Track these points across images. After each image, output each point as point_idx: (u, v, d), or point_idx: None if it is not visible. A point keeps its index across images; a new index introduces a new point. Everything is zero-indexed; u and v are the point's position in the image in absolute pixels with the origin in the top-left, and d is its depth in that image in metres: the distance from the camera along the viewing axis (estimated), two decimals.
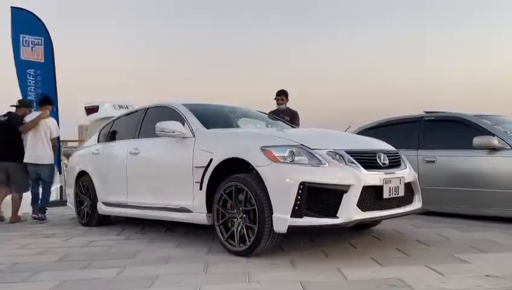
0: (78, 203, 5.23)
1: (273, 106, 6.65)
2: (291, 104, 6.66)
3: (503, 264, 2.84)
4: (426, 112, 5.33)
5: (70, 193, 5.56)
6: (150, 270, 2.90)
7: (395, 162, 3.47)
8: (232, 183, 3.25)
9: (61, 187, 8.12)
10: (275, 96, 6.59)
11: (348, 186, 2.95)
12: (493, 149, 4.39)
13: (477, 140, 4.44)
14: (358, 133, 5.79)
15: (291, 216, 2.89)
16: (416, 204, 3.55)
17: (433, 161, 4.84)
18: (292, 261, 3.01)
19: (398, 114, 5.70)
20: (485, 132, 4.54)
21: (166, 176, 3.94)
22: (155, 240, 4.00)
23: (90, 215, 5.00)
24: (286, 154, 3.05)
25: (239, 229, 3.19)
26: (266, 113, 5.30)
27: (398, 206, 3.31)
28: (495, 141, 4.35)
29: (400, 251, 3.25)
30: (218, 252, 3.33)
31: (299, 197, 2.89)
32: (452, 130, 4.92)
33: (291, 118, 6.37)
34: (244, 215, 3.17)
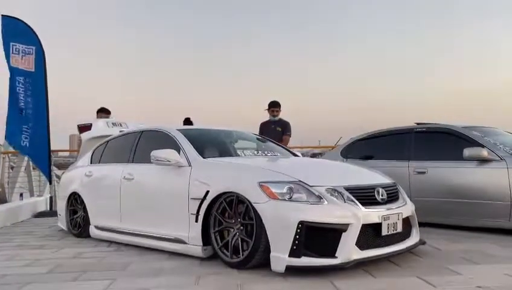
0: (71, 211, 5.16)
1: (266, 117, 6.69)
2: (283, 115, 6.71)
3: (495, 275, 2.86)
4: (417, 124, 5.37)
5: (62, 213, 5.39)
6: (140, 283, 2.87)
7: (393, 196, 3.42)
8: (234, 193, 3.21)
9: (51, 198, 8.02)
10: (267, 108, 6.63)
11: (347, 225, 2.90)
12: (483, 160, 4.43)
13: (467, 151, 4.48)
14: (351, 145, 5.82)
15: (289, 256, 2.84)
16: (414, 238, 3.49)
17: (424, 172, 4.87)
18: (284, 273, 2.99)
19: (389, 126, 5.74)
20: (475, 143, 4.59)
21: (160, 205, 3.86)
22: (146, 252, 3.95)
23: (82, 227, 4.94)
24: (284, 191, 3.00)
25: (234, 240, 3.18)
26: (261, 136, 5.30)
27: (397, 242, 3.25)
28: (485, 153, 4.39)
29: (392, 262, 3.25)
30: (210, 265, 3.30)
31: (297, 236, 2.84)
32: (443, 142, 4.95)
33: (283, 129, 6.45)
34: (242, 227, 3.15)
